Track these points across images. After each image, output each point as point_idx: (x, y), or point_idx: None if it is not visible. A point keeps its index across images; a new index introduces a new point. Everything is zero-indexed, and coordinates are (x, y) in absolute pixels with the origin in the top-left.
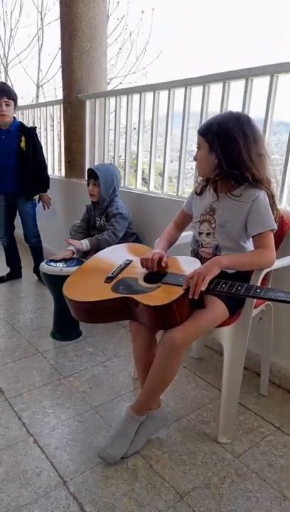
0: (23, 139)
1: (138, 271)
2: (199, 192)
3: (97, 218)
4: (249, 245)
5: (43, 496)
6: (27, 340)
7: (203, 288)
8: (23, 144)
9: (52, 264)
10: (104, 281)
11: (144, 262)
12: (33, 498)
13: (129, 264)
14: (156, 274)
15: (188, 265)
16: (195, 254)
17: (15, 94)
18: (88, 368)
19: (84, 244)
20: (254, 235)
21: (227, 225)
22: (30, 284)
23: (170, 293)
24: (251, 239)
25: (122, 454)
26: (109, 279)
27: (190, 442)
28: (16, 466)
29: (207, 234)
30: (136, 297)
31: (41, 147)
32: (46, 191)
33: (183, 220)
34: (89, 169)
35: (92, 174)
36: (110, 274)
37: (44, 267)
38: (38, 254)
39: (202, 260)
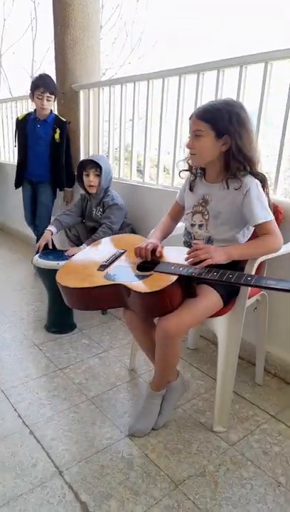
0: (57, 131)
1: (132, 260)
2: (190, 187)
3: (94, 209)
4: (242, 238)
5: (39, 486)
6: (23, 333)
7: (200, 266)
8: (57, 136)
9: (49, 257)
10: (98, 269)
11: (138, 251)
12: (28, 488)
13: (123, 253)
14: (150, 263)
15: (181, 255)
16: (188, 246)
17: (56, 88)
18: (84, 359)
19: (83, 248)
20: (255, 226)
21: (220, 216)
22: (26, 276)
23: (162, 280)
24: (244, 231)
25: (150, 427)
26: (102, 267)
27: (185, 431)
28: (12, 456)
29: (200, 226)
30: (128, 284)
31: (68, 141)
32: (72, 187)
33: (177, 212)
34: (88, 160)
35: (92, 164)
36: (104, 263)
37: (39, 261)
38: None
39: None
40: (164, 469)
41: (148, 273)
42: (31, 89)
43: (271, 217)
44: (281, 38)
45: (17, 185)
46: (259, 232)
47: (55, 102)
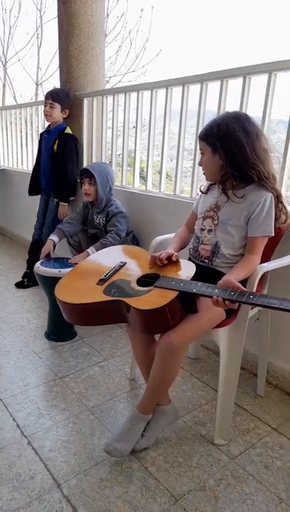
0: (56, 141)
1: (131, 273)
2: (205, 190)
3: (95, 216)
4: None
5: (36, 500)
6: (23, 341)
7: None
8: (55, 147)
9: (53, 265)
10: (97, 284)
11: (152, 260)
12: (26, 501)
13: (122, 266)
14: (150, 277)
15: (182, 269)
16: (195, 251)
17: (64, 98)
18: (84, 368)
19: (91, 251)
20: (250, 237)
21: (229, 222)
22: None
23: (163, 297)
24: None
25: (129, 450)
26: (101, 281)
27: (185, 444)
28: (10, 468)
29: (209, 230)
30: (128, 300)
31: (69, 154)
32: (65, 201)
33: (193, 221)
34: (82, 169)
35: (86, 173)
36: (103, 277)
37: (40, 268)
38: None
39: (201, 258)
40: (164, 483)
41: (148, 288)
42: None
43: (271, 232)
44: (285, 48)
45: (30, 193)
46: (248, 245)
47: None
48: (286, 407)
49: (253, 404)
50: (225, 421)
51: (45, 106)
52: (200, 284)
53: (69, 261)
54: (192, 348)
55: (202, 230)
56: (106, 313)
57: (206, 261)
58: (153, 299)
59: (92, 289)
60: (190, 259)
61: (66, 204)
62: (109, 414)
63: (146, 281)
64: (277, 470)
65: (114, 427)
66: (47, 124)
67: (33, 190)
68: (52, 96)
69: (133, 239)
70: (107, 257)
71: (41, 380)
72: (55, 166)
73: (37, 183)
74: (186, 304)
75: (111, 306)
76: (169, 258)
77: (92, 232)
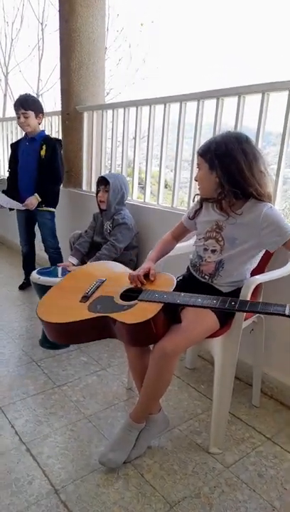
0: (44, 147)
1: (113, 289)
2: (192, 216)
3: (104, 223)
4: (250, 265)
5: (34, 504)
6: (22, 349)
7: None
8: (43, 152)
9: (49, 274)
10: (80, 301)
11: (131, 279)
12: (24, 505)
13: (103, 282)
14: (132, 291)
15: (164, 281)
16: (196, 268)
17: (34, 104)
18: (82, 377)
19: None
20: (284, 244)
21: (236, 242)
22: (26, 292)
23: (148, 310)
24: (256, 258)
25: (123, 459)
26: (84, 299)
27: (181, 452)
28: (8, 474)
29: (213, 251)
30: (114, 315)
31: (60, 159)
32: (54, 207)
33: (181, 232)
34: (100, 177)
35: (103, 181)
36: (86, 294)
37: (41, 279)
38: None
39: (202, 274)
40: (159, 490)
41: (132, 302)
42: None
43: None
44: (280, 68)
45: (11, 208)
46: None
47: (55, 122)
48: (281, 417)
49: (248, 414)
50: (220, 430)
51: (19, 118)
52: (183, 294)
53: (58, 265)
54: (189, 358)
55: (205, 249)
56: (94, 329)
57: (206, 277)
58: (139, 312)
59: (77, 307)
60: (190, 274)
61: (52, 209)
62: (106, 422)
63: (129, 295)
64: (270, 478)
65: (111, 434)
66: (19, 135)
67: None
68: (23, 105)
69: (137, 255)
70: (87, 274)
71: (40, 388)
72: (44, 171)
73: (15, 195)
74: (170, 314)
75: (98, 322)
76: (147, 274)
77: (98, 241)
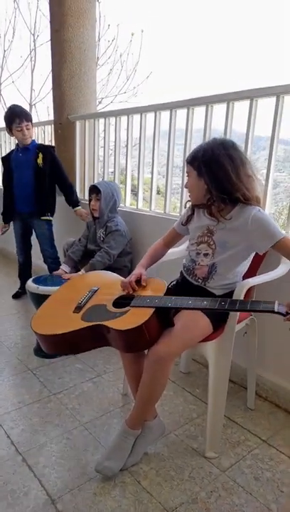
0: (40, 155)
1: (106, 297)
2: (184, 222)
3: (97, 231)
4: (243, 267)
5: None
6: (17, 358)
7: None
8: (40, 161)
9: (46, 283)
10: (74, 311)
11: (123, 287)
12: None
13: (96, 291)
14: (125, 298)
15: (155, 286)
16: (190, 272)
17: (31, 116)
18: (77, 384)
19: (82, 274)
20: (275, 245)
21: (227, 245)
22: (21, 300)
23: (140, 315)
24: (247, 261)
25: (120, 466)
26: (78, 309)
27: (177, 457)
28: (4, 485)
29: (205, 254)
30: (107, 323)
31: (61, 164)
32: (78, 205)
33: (173, 238)
34: (91, 186)
35: (94, 190)
36: (78, 304)
37: (40, 288)
38: None
39: (195, 277)
40: (156, 496)
41: (125, 309)
42: (7, 125)
43: (282, 233)
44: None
45: (6, 220)
46: (283, 251)
47: (48, 132)
48: (276, 419)
49: (243, 417)
50: (216, 434)
51: (20, 130)
52: (173, 298)
53: (54, 272)
54: (183, 362)
55: (197, 253)
56: (88, 339)
57: (200, 280)
58: (131, 318)
59: (70, 317)
60: (183, 278)
61: (51, 218)
62: (102, 429)
63: (122, 302)
64: (267, 481)
65: (107, 442)
66: (10, 145)
67: (9, 217)
68: (27, 117)
69: (130, 261)
70: (79, 284)
71: (35, 396)
72: (44, 179)
73: (10, 211)
74: (162, 319)
75: (92, 331)
76: (139, 280)
77: (91, 249)
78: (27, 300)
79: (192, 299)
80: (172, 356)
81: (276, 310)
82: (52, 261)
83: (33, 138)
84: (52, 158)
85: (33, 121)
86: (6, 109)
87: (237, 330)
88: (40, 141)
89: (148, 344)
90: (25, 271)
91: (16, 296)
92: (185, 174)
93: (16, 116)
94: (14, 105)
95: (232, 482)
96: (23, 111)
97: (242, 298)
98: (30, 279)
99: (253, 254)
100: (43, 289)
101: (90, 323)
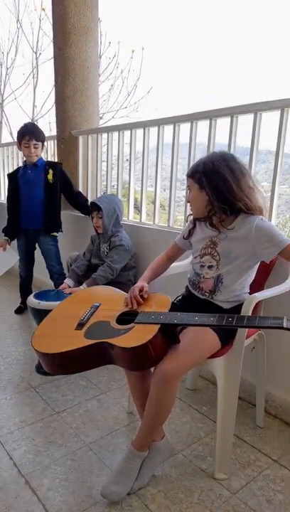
0: (50, 171)
1: (108, 313)
2: (186, 236)
3: (101, 246)
4: (249, 277)
5: None
6: (19, 375)
7: None
8: (50, 177)
9: (47, 298)
10: (76, 328)
11: (126, 301)
12: None
13: (98, 307)
14: (128, 314)
15: (158, 302)
16: (195, 286)
17: (44, 136)
18: (81, 402)
19: (83, 288)
20: (281, 252)
21: (231, 255)
22: (23, 316)
23: (145, 332)
24: (253, 270)
25: (127, 490)
26: (80, 326)
27: (186, 479)
28: (7, 510)
29: (210, 267)
30: (111, 341)
31: (72, 180)
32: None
33: (175, 252)
34: (91, 202)
35: (95, 206)
36: (81, 320)
37: (42, 304)
38: None
39: (202, 291)
40: None
41: (129, 326)
42: (18, 140)
43: (287, 239)
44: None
45: (10, 236)
46: (285, 256)
47: (56, 147)
48: (286, 437)
49: (253, 436)
50: (225, 454)
51: (27, 146)
52: (179, 314)
53: (64, 291)
54: (190, 378)
55: (201, 266)
56: (92, 357)
57: (207, 294)
58: (137, 335)
59: (73, 335)
60: (189, 292)
61: (56, 234)
62: (107, 449)
63: (125, 319)
64: (279, 504)
65: (112, 463)
66: (17, 160)
67: (14, 234)
68: (36, 136)
69: (135, 275)
70: (81, 300)
71: (38, 415)
72: (55, 195)
73: (15, 228)
74: (168, 336)
75: (96, 349)
76: (141, 291)
77: (94, 263)
78: (29, 315)
79: (199, 315)
80: (179, 374)
81: (285, 326)
82: (58, 277)
83: (40, 157)
84: (62, 174)
85: None
86: (21, 125)
87: (245, 345)
88: (44, 157)
89: (153, 362)
90: (26, 286)
91: (19, 311)
92: (187, 189)
93: (27, 134)
94: (30, 123)
95: (243, 505)
96: (35, 130)
97: (249, 313)
98: (32, 295)
99: (258, 264)
100: (44, 304)
101: (94, 341)
